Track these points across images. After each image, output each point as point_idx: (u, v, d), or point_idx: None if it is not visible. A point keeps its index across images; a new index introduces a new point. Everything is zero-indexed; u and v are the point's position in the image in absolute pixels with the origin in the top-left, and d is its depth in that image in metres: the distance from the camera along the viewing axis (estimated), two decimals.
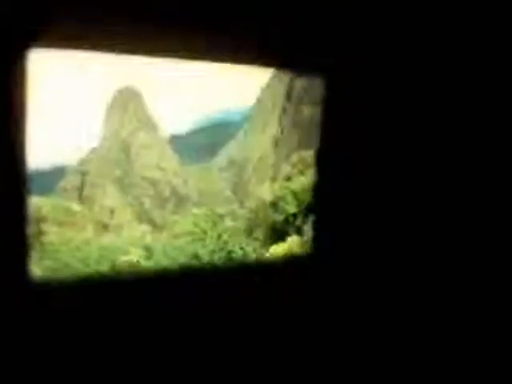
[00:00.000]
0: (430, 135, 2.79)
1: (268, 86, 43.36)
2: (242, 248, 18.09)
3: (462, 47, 2.68)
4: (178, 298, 2.55)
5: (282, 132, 33.68)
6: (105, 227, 35.50)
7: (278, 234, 17.79)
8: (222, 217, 27.42)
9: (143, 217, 39.23)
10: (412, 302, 2.84)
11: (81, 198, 36.99)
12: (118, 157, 40.17)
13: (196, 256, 18.66)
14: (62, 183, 37.54)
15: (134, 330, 2.39)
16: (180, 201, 41.44)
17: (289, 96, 32.28)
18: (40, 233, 25.74)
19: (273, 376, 2.57)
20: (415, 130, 2.81)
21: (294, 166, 25.69)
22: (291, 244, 13.88)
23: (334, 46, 2.77)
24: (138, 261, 18.56)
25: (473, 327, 2.74)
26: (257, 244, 19.34)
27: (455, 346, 2.71)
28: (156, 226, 37.78)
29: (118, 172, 39.46)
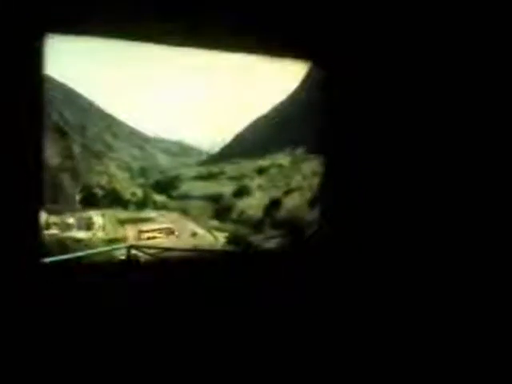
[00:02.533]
0: (430, 128, 2.92)
1: None
2: None
3: (461, 45, 2.82)
4: (180, 283, 2.76)
5: None
6: None
7: None
8: None
9: None
10: (412, 293, 2.99)
11: None
12: None
13: None
14: None
15: (138, 312, 2.57)
16: None
17: None
18: None
19: (274, 369, 2.72)
20: (416, 125, 2.92)
21: None
22: None
23: (335, 42, 2.90)
24: None
25: (470, 319, 2.86)
26: None
27: (452, 334, 2.89)
28: None
29: None
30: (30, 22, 2.11)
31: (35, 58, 2.16)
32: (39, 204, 2.26)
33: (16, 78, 2.12)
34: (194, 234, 37.63)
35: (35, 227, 2.25)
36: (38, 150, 2.24)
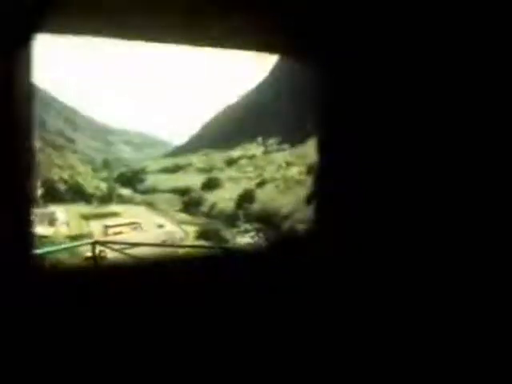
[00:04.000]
0: (428, 126, 2.94)
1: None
2: None
3: (460, 45, 2.85)
4: (174, 280, 2.88)
5: None
6: None
7: None
8: None
9: None
10: (412, 288, 2.99)
11: None
12: None
13: None
14: None
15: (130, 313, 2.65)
16: None
17: None
18: None
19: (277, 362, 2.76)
20: (414, 123, 2.96)
21: None
22: None
23: (336, 39, 3.01)
24: None
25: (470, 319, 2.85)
26: None
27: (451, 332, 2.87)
28: None
29: None
30: (16, 22, 2.17)
31: (23, 59, 2.22)
32: (30, 195, 2.37)
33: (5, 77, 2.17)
34: (162, 228, 37.06)
35: (26, 220, 2.34)
36: (29, 146, 2.35)
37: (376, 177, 2.95)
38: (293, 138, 45.23)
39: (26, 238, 2.32)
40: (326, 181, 3.12)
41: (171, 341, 2.64)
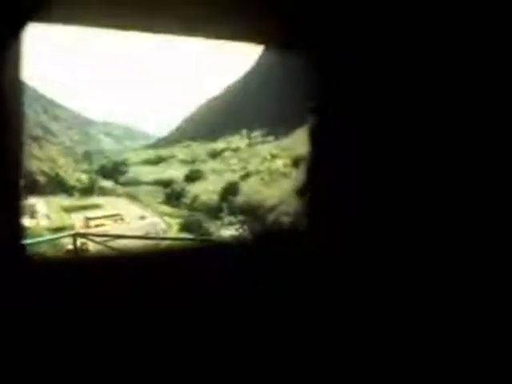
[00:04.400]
0: (424, 117, 2.90)
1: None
2: None
3: (459, 43, 2.81)
4: (157, 272, 2.73)
5: None
6: None
7: None
8: None
9: None
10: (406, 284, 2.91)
11: None
12: None
13: None
14: None
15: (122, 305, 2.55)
16: None
17: None
18: None
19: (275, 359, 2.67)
20: (409, 114, 2.91)
21: None
22: None
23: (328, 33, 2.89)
24: None
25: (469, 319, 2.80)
26: None
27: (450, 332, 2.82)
28: None
29: None
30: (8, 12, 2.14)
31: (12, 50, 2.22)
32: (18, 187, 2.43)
33: None
34: (144, 220, 36.85)
35: (16, 214, 2.39)
36: (19, 142, 2.37)
37: (370, 169, 2.94)
38: (277, 130, 45.32)
39: (17, 230, 2.37)
40: (318, 173, 3.13)
41: (156, 333, 2.65)
